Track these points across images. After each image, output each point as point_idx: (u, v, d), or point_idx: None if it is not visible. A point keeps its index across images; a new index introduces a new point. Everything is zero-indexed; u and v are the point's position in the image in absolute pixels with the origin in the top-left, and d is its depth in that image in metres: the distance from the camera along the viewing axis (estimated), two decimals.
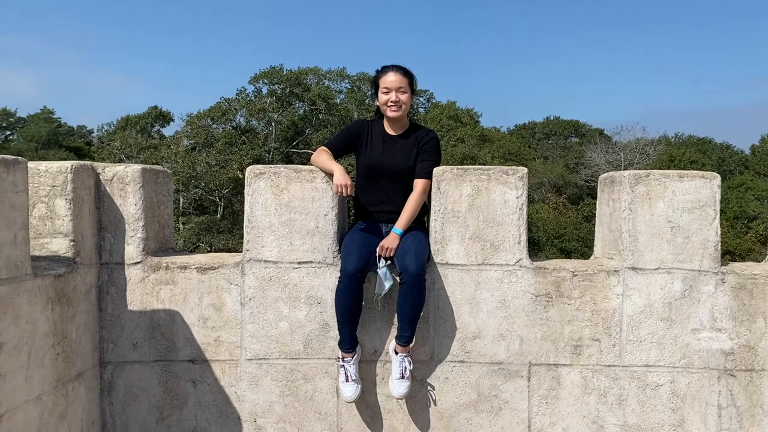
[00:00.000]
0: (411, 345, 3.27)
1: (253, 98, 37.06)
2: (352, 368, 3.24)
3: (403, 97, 3.34)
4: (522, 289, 3.36)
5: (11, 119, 56.97)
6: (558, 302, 3.35)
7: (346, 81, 49.31)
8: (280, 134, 36.68)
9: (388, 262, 3.25)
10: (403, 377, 3.25)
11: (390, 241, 3.23)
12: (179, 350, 3.39)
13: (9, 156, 2.66)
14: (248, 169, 3.37)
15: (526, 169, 3.39)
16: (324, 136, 37.76)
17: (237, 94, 37.21)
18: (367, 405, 3.41)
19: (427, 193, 3.39)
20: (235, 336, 3.38)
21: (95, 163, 3.39)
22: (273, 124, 36.13)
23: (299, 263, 3.36)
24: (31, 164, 3.16)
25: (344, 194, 3.25)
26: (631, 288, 3.34)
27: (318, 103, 36.77)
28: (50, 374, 2.91)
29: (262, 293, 3.36)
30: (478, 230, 3.36)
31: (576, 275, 3.35)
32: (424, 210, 3.46)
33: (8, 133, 56.82)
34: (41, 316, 2.84)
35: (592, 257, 3.74)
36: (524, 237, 3.36)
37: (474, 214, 3.36)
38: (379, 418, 3.41)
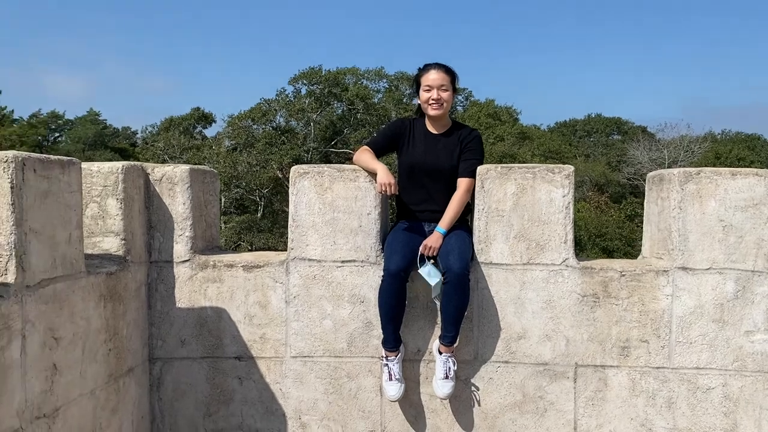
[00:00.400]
0: (455, 345, 3.26)
1: (292, 99, 37.41)
2: (395, 367, 3.25)
3: (445, 95, 3.32)
4: (568, 289, 3.31)
5: (60, 121, 58.62)
6: (605, 302, 3.30)
7: (384, 80, 49.32)
8: (318, 134, 36.96)
9: (432, 261, 3.24)
10: (447, 377, 3.24)
11: (433, 241, 3.22)
12: (226, 347, 3.44)
13: (64, 157, 2.74)
14: (293, 169, 3.40)
15: (572, 168, 3.34)
16: (362, 135, 37.90)
17: (277, 95, 37.60)
18: (411, 404, 3.41)
19: (471, 192, 3.37)
20: (280, 333, 3.41)
21: (145, 164, 3.47)
22: (312, 124, 36.41)
23: (342, 262, 3.38)
24: (83, 165, 3.24)
25: (388, 193, 3.25)
26: (681, 288, 3.26)
27: (356, 103, 36.92)
28: (103, 369, 2.98)
29: (307, 291, 3.39)
30: (523, 229, 3.33)
31: (624, 275, 3.29)
32: (467, 209, 3.44)
33: (57, 135, 58.47)
34: (94, 312, 2.91)
35: (640, 257, 3.67)
36: (571, 236, 3.31)
37: (519, 213, 3.32)
38: (423, 418, 3.40)
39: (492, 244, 3.34)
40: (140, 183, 3.40)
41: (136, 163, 3.39)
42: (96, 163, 3.25)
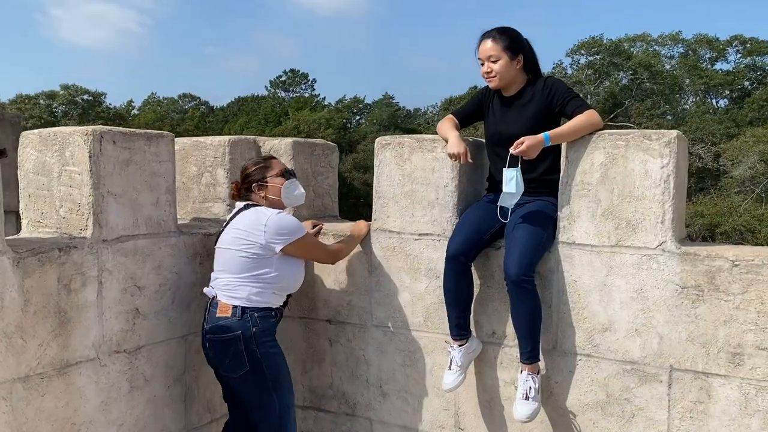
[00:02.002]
0: (537, 362, 2.94)
1: (569, 72, 36.07)
2: (457, 355, 3.06)
3: (495, 66, 3.00)
4: (664, 278, 2.79)
5: (360, 105, 64.94)
6: (711, 297, 2.70)
7: (680, 45, 44.79)
8: (596, 107, 35.15)
9: (519, 167, 2.85)
10: (527, 398, 2.90)
11: (530, 141, 2.80)
12: (319, 310, 3.62)
13: (153, 131, 3.17)
14: (376, 141, 3.41)
15: (676, 133, 2.79)
16: (646, 107, 35.04)
17: (553, 68, 36.61)
18: (485, 388, 3.22)
19: (595, 127, 2.90)
20: (364, 302, 3.48)
21: (258, 137, 3.80)
22: (589, 96, 34.73)
23: (420, 235, 3.30)
24: (200, 139, 3.69)
25: (460, 162, 3.08)
26: None
27: (639, 72, 34.12)
28: (198, 319, 3.38)
29: (387, 262, 3.40)
30: (612, 206, 2.88)
31: (737, 265, 2.65)
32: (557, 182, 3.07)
33: (358, 117, 64.97)
34: (187, 267, 3.32)
35: None
36: (670, 215, 2.77)
37: (607, 186, 2.89)
38: (497, 404, 3.19)
39: (576, 221, 2.96)
40: (251, 155, 3.73)
41: (246, 137, 3.73)
42: (210, 138, 3.67)
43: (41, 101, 42.96)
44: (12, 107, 41.07)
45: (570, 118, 2.95)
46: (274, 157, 3.29)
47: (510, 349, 3.13)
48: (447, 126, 3.20)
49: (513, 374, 3.11)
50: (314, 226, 3.45)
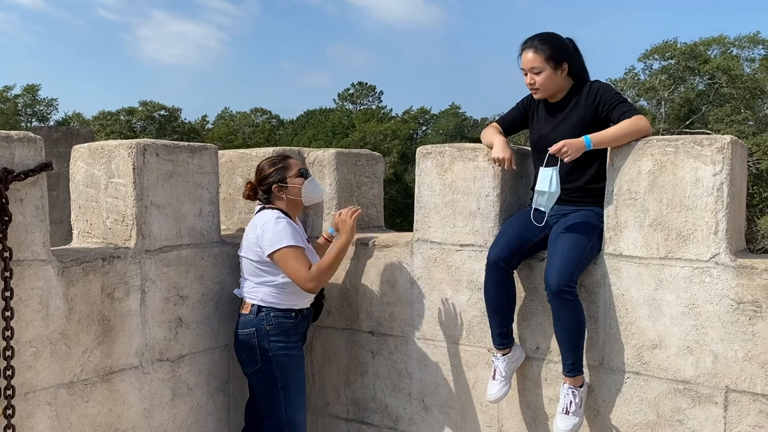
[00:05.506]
0: (579, 375, 2.83)
1: (642, 77, 34.93)
2: (501, 365, 2.97)
3: (538, 78, 2.89)
4: (718, 293, 2.62)
5: (426, 116, 64.97)
6: None
7: (760, 47, 42.85)
8: (671, 113, 33.88)
9: (557, 167, 2.76)
10: (567, 412, 2.80)
11: (571, 145, 2.71)
12: (362, 321, 3.60)
13: (197, 144, 3.23)
14: (418, 150, 3.37)
15: (729, 138, 2.62)
16: (725, 112, 33.53)
17: (625, 74, 35.58)
18: (528, 405, 3.10)
19: (641, 133, 2.77)
20: (406, 314, 3.43)
21: (303, 149, 3.82)
22: (663, 103, 33.54)
23: (461, 245, 3.23)
24: (245, 151, 3.75)
25: (505, 168, 3.00)
26: None
27: (717, 76, 32.67)
28: None
29: (428, 274, 3.34)
30: (661, 216, 2.73)
31: None
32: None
33: (425, 128, 65.00)
34: (230, 278, 3.36)
35: None
36: (723, 226, 2.61)
37: (656, 195, 2.74)
38: (541, 422, 3.07)
39: (623, 232, 2.83)
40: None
41: (291, 148, 3.76)
42: (255, 149, 3.72)
43: (122, 117, 45.07)
44: (95, 123, 43.33)
45: (616, 123, 2.83)
46: (289, 156, 3.31)
47: (555, 365, 3.01)
48: (491, 132, 3.13)
49: (558, 391, 2.98)
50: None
